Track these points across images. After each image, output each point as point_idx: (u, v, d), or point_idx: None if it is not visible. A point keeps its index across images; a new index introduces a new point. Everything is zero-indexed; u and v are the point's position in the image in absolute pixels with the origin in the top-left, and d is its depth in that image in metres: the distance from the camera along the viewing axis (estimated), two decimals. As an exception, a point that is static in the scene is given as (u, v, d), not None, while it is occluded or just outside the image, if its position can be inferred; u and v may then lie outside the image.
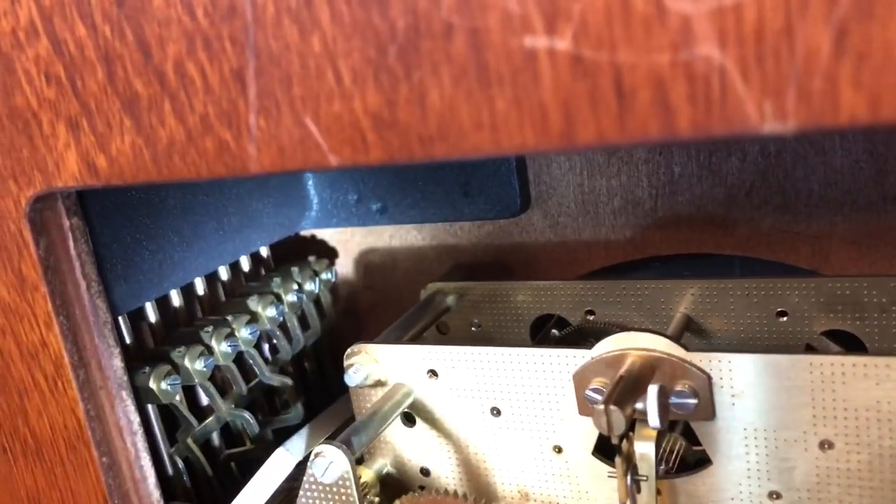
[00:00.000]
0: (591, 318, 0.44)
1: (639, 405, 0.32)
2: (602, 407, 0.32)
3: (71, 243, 0.33)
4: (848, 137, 0.39)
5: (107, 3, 0.27)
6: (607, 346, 0.35)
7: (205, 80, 0.26)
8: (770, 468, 0.33)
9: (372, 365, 0.40)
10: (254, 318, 0.45)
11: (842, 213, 0.40)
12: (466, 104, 0.23)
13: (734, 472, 0.34)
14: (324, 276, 0.51)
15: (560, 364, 0.36)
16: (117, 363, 0.35)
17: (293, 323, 0.48)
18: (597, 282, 0.44)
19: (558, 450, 0.37)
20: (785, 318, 0.40)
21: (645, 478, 0.34)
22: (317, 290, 0.50)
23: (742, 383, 0.33)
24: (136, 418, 0.36)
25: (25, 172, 0.31)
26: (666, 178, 0.44)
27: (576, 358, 0.36)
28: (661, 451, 0.36)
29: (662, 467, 0.35)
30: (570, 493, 0.38)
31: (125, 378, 0.35)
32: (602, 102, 0.21)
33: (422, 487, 0.41)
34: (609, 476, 0.37)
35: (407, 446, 0.41)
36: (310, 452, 0.37)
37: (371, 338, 0.41)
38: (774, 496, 0.34)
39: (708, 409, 0.34)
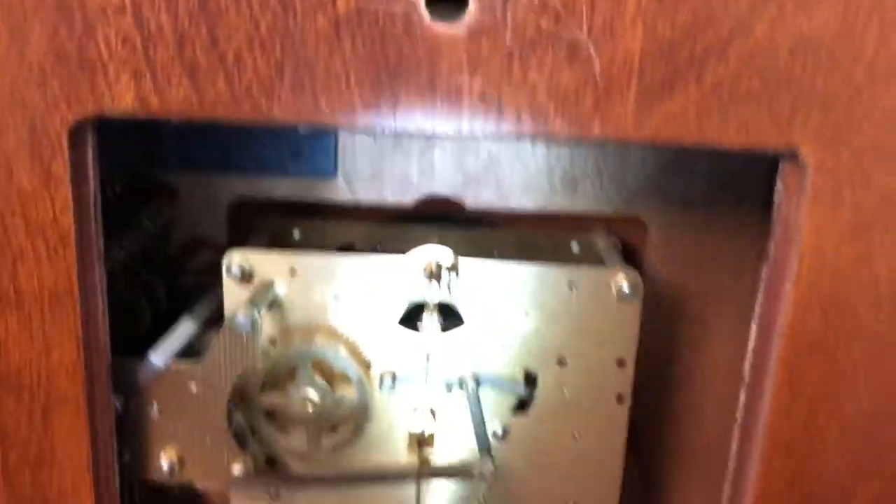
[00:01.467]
0: (378, 248, 0.67)
1: (442, 281, 0.56)
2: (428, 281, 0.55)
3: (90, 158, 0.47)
4: (536, 151, 0.68)
5: (191, 4, 0.43)
6: (414, 253, 0.58)
7: (255, 65, 0.44)
8: (496, 327, 0.60)
9: (245, 264, 0.58)
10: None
11: (527, 196, 0.69)
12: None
13: (477, 330, 0.60)
14: (166, 211, 0.67)
15: (382, 264, 0.58)
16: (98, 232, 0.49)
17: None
18: (379, 225, 0.67)
19: (376, 321, 0.59)
20: (495, 253, 0.67)
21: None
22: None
23: (484, 278, 0.58)
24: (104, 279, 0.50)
25: (81, 100, 0.45)
26: (429, 164, 0.68)
27: (393, 261, 0.58)
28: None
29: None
30: (378, 352, 0.60)
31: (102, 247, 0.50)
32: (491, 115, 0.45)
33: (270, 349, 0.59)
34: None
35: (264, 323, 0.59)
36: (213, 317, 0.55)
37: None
38: (496, 343, 0.60)
39: (466, 294, 0.59)
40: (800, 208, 0.47)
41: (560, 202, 0.70)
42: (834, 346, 0.48)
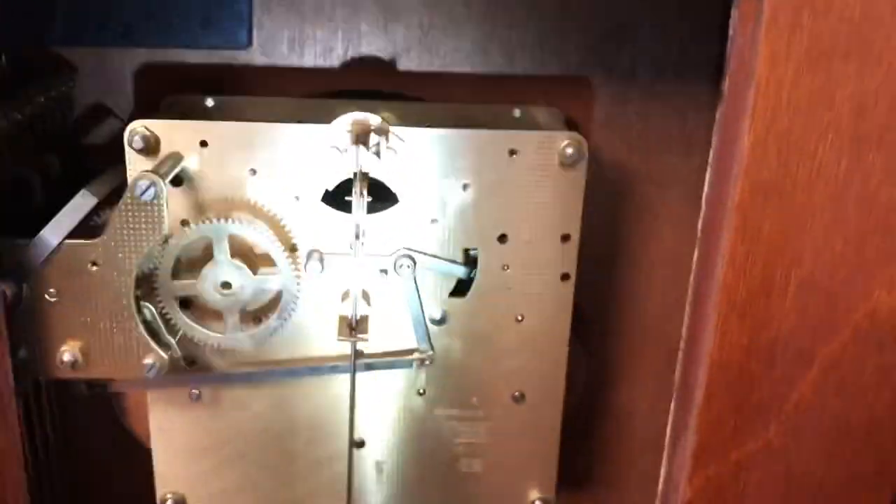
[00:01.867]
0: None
1: (371, 148, 0.51)
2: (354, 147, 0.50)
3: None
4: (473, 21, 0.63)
5: None
6: (340, 120, 0.53)
7: None
8: (432, 203, 0.55)
9: (150, 135, 0.52)
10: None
11: (462, 66, 0.64)
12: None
13: (412, 208, 0.55)
14: (63, 87, 0.59)
15: (304, 134, 0.53)
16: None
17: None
18: (304, 99, 0.62)
19: (297, 198, 0.54)
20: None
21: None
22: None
23: (420, 149, 0.53)
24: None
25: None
26: (355, 34, 0.63)
27: (317, 130, 0.53)
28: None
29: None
30: (303, 232, 0.55)
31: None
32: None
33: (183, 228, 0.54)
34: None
35: (172, 202, 0.53)
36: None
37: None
38: (433, 221, 0.55)
39: (400, 166, 0.54)
40: (755, 36, 0.43)
41: (499, 69, 0.65)
42: (791, 189, 0.45)
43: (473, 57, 0.64)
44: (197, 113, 0.59)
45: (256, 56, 0.63)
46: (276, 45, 0.63)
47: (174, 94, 0.60)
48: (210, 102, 0.59)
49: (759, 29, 0.42)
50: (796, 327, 0.48)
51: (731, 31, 0.44)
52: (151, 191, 0.47)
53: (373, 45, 0.64)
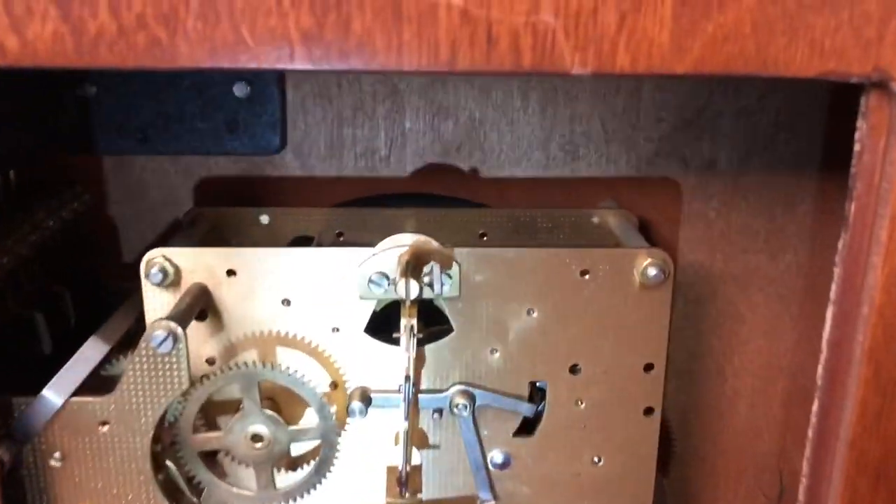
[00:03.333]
0: (342, 238, 0.54)
1: (424, 278, 0.44)
2: (402, 279, 0.43)
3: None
4: (529, 113, 0.56)
5: None
6: (386, 243, 0.46)
7: (150, -16, 0.32)
8: (493, 330, 0.47)
9: (169, 267, 0.46)
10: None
11: (520, 167, 0.57)
12: (381, 32, 0.32)
13: (469, 335, 0.47)
14: (75, 204, 0.53)
15: (344, 260, 0.46)
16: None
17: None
18: (343, 209, 0.55)
19: (336, 330, 0.47)
20: (485, 238, 0.55)
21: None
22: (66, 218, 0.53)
23: (477, 270, 0.46)
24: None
25: None
26: (398, 131, 0.56)
27: (358, 255, 0.46)
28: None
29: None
30: (344, 368, 0.48)
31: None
32: (477, 44, 0.32)
33: (206, 376, 0.47)
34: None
35: (196, 339, 0.47)
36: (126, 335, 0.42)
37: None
38: (493, 351, 0.48)
39: (456, 289, 0.46)
40: (888, 155, 0.35)
41: (560, 170, 0.58)
42: (940, 334, 0.37)
43: (532, 154, 0.57)
44: (227, 227, 0.52)
45: (287, 161, 0.57)
46: (312, 148, 0.57)
47: (200, 205, 0.54)
48: (265, 219, 0.53)
49: (894, 147, 0.35)
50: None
51: (856, 147, 0.36)
52: (169, 342, 0.41)
53: (420, 142, 0.57)
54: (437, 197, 0.57)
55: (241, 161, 0.57)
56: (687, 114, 0.56)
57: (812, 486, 0.42)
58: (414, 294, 0.43)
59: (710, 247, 0.58)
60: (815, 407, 0.40)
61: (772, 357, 0.61)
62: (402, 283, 0.44)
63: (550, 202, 0.56)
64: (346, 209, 0.55)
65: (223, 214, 0.54)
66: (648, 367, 0.48)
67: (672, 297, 0.47)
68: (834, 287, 0.38)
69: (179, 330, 0.41)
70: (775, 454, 0.63)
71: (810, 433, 0.41)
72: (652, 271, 0.46)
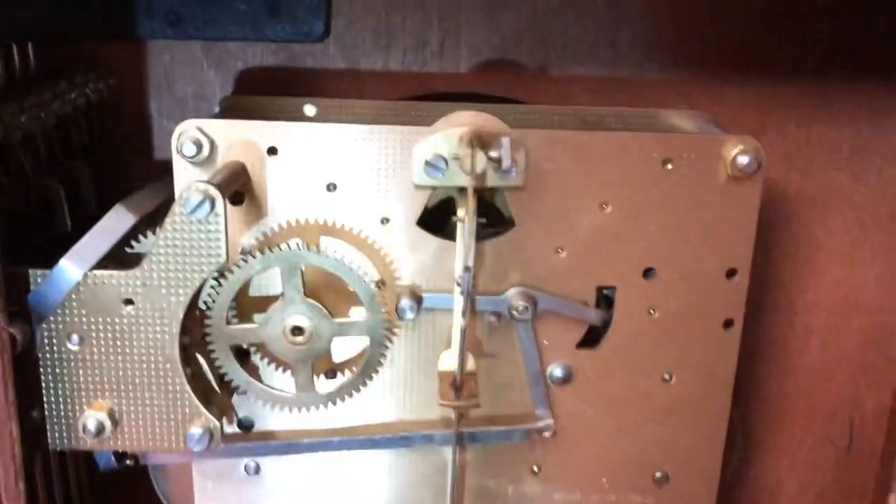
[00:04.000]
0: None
1: (492, 153, 0.39)
2: (467, 154, 0.38)
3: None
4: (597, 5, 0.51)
5: None
6: (446, 122, 0.41)
7: None
8: (560, 226, 0.43)
9: (204, 140, 0.41)
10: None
11: (584, 65, 0.52)
12: None
13: (532, 231, 0.43)
14: (100, 85, 0.49)
15: (396, 139, 0.41)
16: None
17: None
18: (395, 102, 0.50)
19: (386, 220, 0.42)
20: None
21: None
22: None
23: (546, 156, 0.42)
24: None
25: None
26: (453, 23, 0.51)
27: (414, 134, 0.41)
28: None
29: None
30: (394, 264, 0.43)
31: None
32: None
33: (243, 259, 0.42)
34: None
35: (231, 225, 0.42)
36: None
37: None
38: (559, 251, 0.43)
39: (521, 178, 0.42)
40: None
41: (629, 68, 0.53)
42: None
43: (598, 52, 0.52)
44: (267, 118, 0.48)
45: (330, 53, 0.52)
46: (358, 38, 0.52)
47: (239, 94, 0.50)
48: (310, 110, 0.48)
49: None
50: None
51: None
52: (206, 206, 0.36)
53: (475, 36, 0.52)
54: (495, 98, 0.53)
55: (279, 52, 0.52)
56: (768, 14, 0.51)
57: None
58: (480, 168, 0.39)
59: (788, 163, 0.53)
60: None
61: (849, 291, 0.56)
62: (466, 158, 0.39)
63: (618, 105, 0.51)
64: (399, 102, 0.50)
65: (262, 104, 0.49)
66: (731, 273, 0.43)
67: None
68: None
69: (218, 194, 0.36)
70: (847, 400, 0.58)
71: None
72: (744, 159, 0.41)
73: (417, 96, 0.52)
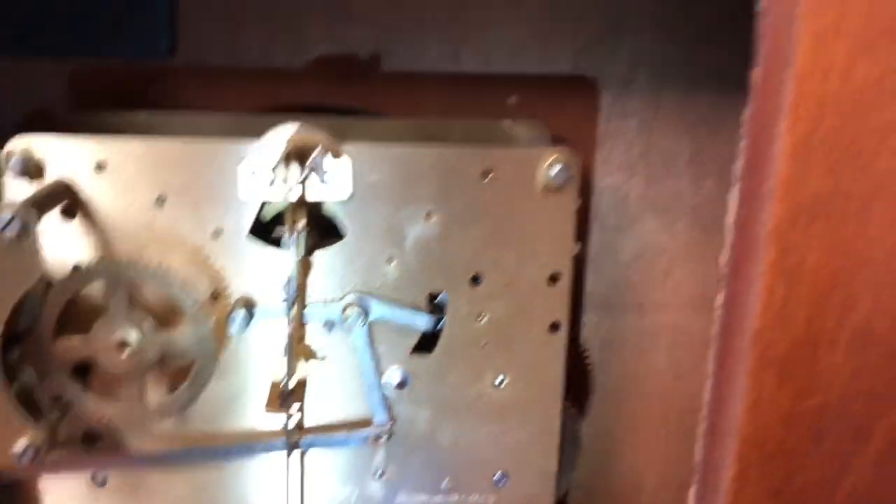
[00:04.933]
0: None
1: (309, 166, 0.40)
2: (282, 167, 0.40)
3: None
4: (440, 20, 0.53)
5: None
6: (271, 136, 0.43)
7: None
8: (389, 237, 0.44)
9: (34, 156, 0.42)
10: None
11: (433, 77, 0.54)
12: None
13: (363, 242, 0.44)
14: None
15: (222, 153, 0.42)
16: None
17: None
18: (238, 114, 0.51)
19: (218, 233, 0.43)
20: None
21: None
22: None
23: (371, 169, 0.43)
24: None
25: None
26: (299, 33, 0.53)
27: (240, 148, 0.42)
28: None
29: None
30: (226, 275, 0.44)
31: None
32: None
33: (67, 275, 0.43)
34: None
35: (63, 242, 0.43)
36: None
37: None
38: (389, 260, 0.45)
39: (347, 190, 0.43)
40: (794, 8, 0.33)
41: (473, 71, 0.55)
42: (843, 210, 0.34)
43: (444, 59, 0.54)
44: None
45: (182, 64, 0.53)
46: (206, 51, 0.53)
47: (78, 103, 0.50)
48: (146, 120, 0.48)
49: (798, 3, 0.32)
50: (851, 390, 0.38)
51: (761, 2, 0.34)
52: (15, 225, 0.37)
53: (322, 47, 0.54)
54: (345, 110, 0.54)
55: (124, 65, 0.53)
56: (603, 27, 0.54)
57: (717, 386, 0.39)
58: (295, 180, 0.40)
59: (630, 170, 0.56)
60: (719, 299, 0.38)
61: (694, 290, 0.59)
62: (286, 172, 0.40)
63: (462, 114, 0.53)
64: (244, 115, 0.51)
65: (102, 118, 0.50)
66: (553, 279, 0.45)
67: (581, 212, 0.45)
68: (739, 163, 0.36)
69: (31, 213, 0.37)
70: (698, 396, 0.61)
71: (715, 330, 0.39)
72: (555, 170, 0.43)
73: (265, 108, 0.53)
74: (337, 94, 0.54)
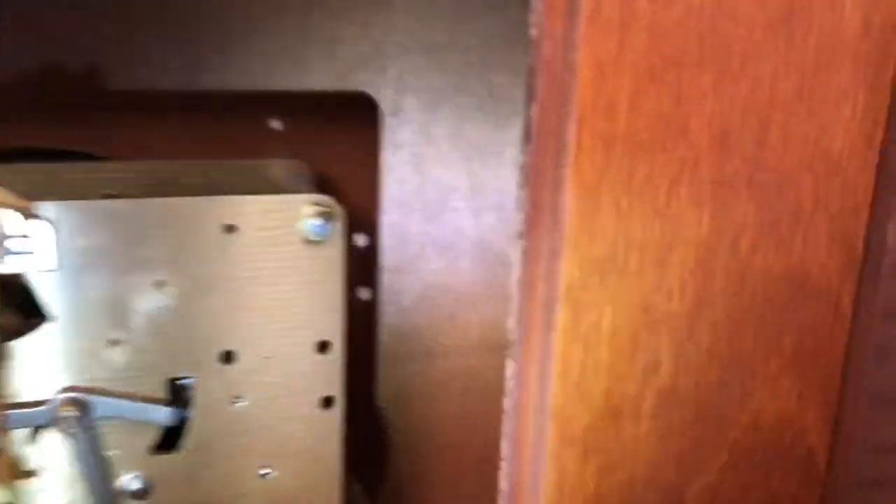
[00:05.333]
0: None
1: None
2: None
3: None
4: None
5: None
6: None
7: None
8: (111, 314, 0.35)
9: None
10: None
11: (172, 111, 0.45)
12: None
13: (77, 323, 0.35)
14: None
15: None
16: None
17: None
18: None
19: None
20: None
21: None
22: None
23: (81, 231, 0.34)
24: None
25: None
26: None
27: None
28: None
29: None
30: None
31: None
32: None
33: None
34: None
35: None
36: None
37: None
38: (114, 343, 0.36)
39: (50, 259, 0.34)
40: (571, 39, 0.28)
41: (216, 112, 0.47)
42: (639, 262, 0.30)
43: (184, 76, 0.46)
44: None
45: None
46: None
47: None
48: None
49: (577, 27, 0.28)
50: (659, 457, 0.34)
51: (533, 32, 0.29)
52: None
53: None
54: (62, 153, 0.44)
55: None
56: (371, 42, 0.48)
57: (515, 469, 0.34)
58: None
59: (406, 207, 0.50)
60: (510, 369, 0.33)
61: (482, 332, 0.54)
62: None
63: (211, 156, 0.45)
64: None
65: None
66: (323, 347, 0.38)
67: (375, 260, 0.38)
68: (523, 213, 0.31)
69: None
70: (496, 444, 0.56)
71: (508, 405, 0.33)
72: (315, 222, 0.36)
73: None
74: (47, 129, 0.44)
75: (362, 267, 0.49)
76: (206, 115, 0.46)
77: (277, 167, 0.43)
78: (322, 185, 0.45)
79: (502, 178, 0.52)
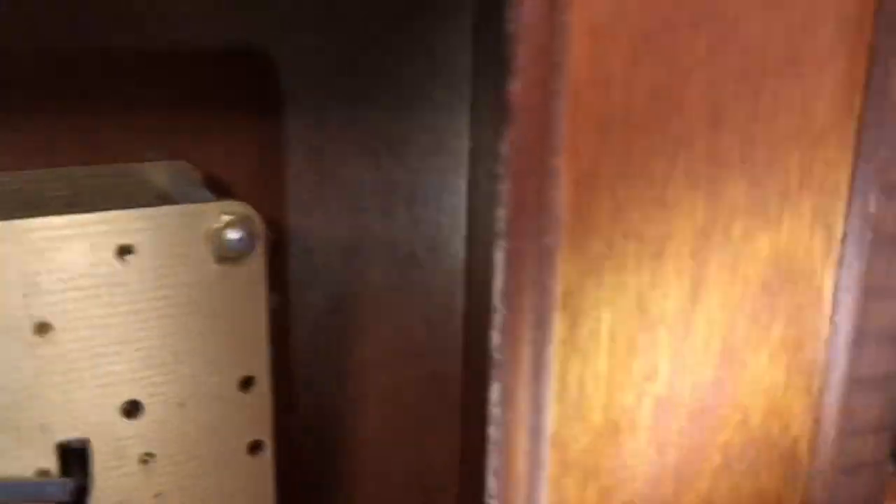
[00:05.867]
0: None
1: None
2: None
3: None
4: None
5: None
6: None
7: None
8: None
9: None
10: None
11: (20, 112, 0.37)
12: None
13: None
14: None
15: None
16: None
17: None
18: None
19: None
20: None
21: None
22: None
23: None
24: None
25: None
26: None
27: None
28: None
29: None
30: None
31: None
32: None
33: None
34: None
35: None
36: None
37: None
38: (-18, 407, 0.28)
39: None
40: (556, 2, 0.24)
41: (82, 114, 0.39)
42: (636, 258, 0.27)
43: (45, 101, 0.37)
44: None
45: None
46: None
47: None
48: None
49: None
50: (657, 469, 0.31)
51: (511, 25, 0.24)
52: None
53: None
54: None
55: None
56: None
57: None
58: None
59: (307, 207, 0.44)
60: (494, 393, 0.28)
61: (400, 343, 0.49)
62: None
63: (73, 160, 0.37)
64: None
65: None
66: (247, 384, 0.32)
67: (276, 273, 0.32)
68: (500, 213, 0.26)
69: None
70: (414, 461, 0.52)
71: (492, 433, 0.29)
72: (231, 235, 0.30)
73: None
74: None
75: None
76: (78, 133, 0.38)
77: (165, 171, 0.36)
78: (216, 189, 0.39)
79: (412, 175, 0.46)
